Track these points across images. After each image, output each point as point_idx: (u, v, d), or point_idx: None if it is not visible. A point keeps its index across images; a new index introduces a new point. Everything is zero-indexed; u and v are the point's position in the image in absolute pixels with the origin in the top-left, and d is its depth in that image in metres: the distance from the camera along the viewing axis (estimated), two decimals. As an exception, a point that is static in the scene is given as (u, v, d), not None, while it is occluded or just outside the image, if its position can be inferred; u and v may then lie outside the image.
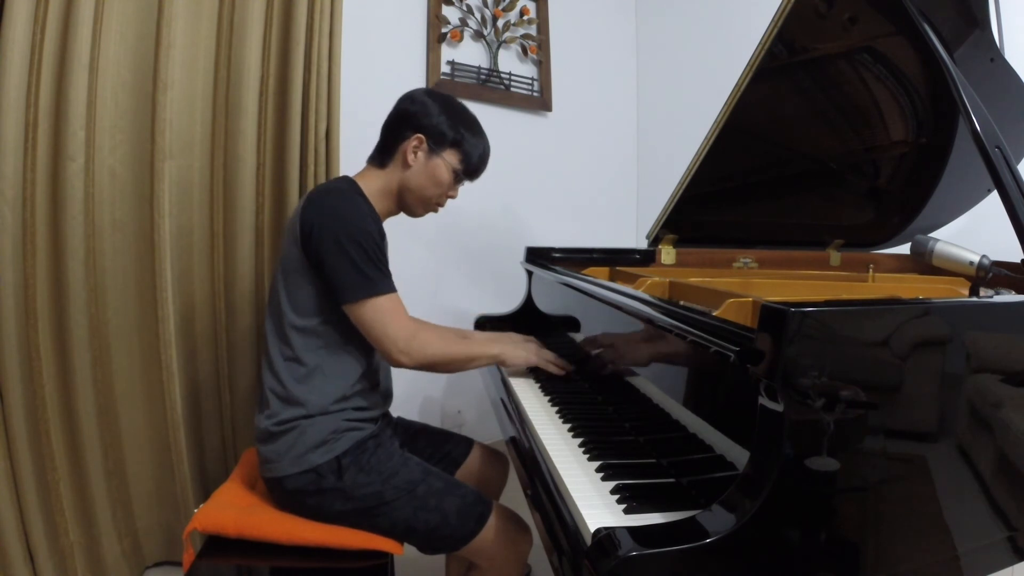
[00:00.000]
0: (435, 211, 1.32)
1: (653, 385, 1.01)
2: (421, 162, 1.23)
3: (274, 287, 1.21)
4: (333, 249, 1.10)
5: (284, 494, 1.14)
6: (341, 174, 1.44)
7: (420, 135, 1.22)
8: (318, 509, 1.12)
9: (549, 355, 1.32)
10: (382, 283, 1.12)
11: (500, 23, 2.48)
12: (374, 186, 1.24)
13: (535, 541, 1.10)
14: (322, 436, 1.13)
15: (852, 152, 1.61)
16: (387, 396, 1.31)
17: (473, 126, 1.27)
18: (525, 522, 1.18)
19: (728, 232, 1.73)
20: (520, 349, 1.30)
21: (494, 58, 2.47)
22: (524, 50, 2.56)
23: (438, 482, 1.15)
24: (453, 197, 1.31)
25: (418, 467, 1.18)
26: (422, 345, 1.14)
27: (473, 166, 1.28)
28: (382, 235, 1.18)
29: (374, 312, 1.11)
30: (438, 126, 1.22)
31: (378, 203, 1.25)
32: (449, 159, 1.24)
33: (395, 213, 1.31)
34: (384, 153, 1.26)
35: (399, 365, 1.15)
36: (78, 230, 1.45)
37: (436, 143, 1.23)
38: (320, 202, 1.17)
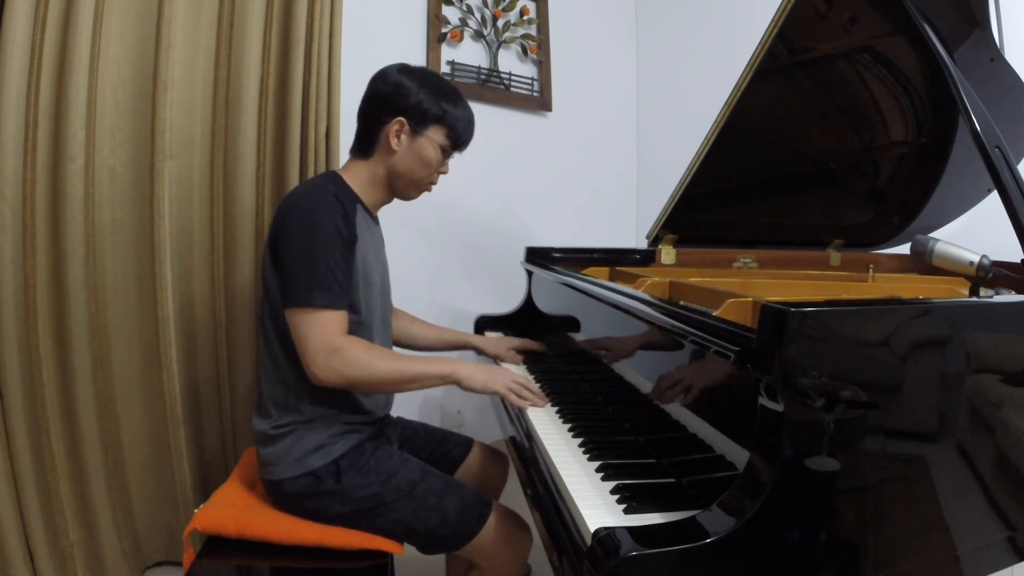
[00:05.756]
0: (428, 190, 1.27)
1: (653, 385, 1.01)
2: (406, 145, 1.17)
3: (262, 295, 1.18)
4: (286, 250, 1.07)
5: (283, 497, 1.13)
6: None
7: (400, 118, 1.16)
8: (317, 512, 1.11)
9: (515, 386, 1.16)
10: (318, 293, 1.04)
11: (500, 23, 2.48)
12: (362, 178, 1.20)
13: (535, 541, 1.10)
14: (320, 440, 1.12)
15: (852, 152, 1.61)
16: (388, 399, 1.30)
17: (453, 96, 1.20)
18: (525, 522, 1.18)
19: (728, 232, 1.73)
20: (482, 373, 1.16)
21: (494, 58, 2.47)
22: (524, 50, 2.56)
23: (437, 482, 1.15)
24: (444, 173, 1.25)
25: (417, 467, 1.17)
26: (344, 363, 1.04)
27: (460, 139, 1.22)
28: (351, 237, 1.11)
29: (299, 321, 1.05)
30: (418, 105, 1.15)
31: (368, 195, 1.21)
32: (434, 136, 1.18)
33: (388, 201, 1.27)
34: (365, 142, 1.20)
35: (317, 381, 1.06)
36: (78, 230, 1.44)
37: (418, 123, 1.16)
38: (287, 202, 1.13)
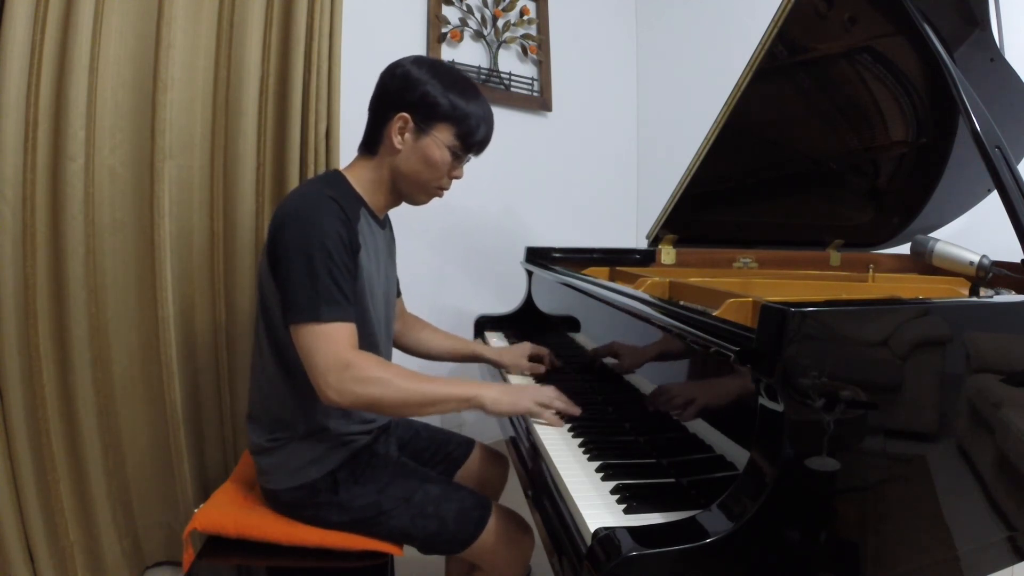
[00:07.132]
0: (439, 195, 1.17)
1: (653, 385, 1.01)
2: (410, 144, 1.09)
3: (257, 304, 1.14)
4: (284, 262, 1.00)
5: (280, 505, 1.12)
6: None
7: (404, 114, 1.07)
8: (315, 520, 1.10)
9: (544, 399, 1.08)
10: (325, 307, 0.97)
11: (500, 23, 2.48)
12: (365, 178, 1.14)
13: (536, 543, 1.10)
14: (316, 453, 1.10)
15: (852, 152, 1.61)
16: None
17: (466, 91, 1.10)
18: (527, 523, 1.16)
19: (728, 232, 1.73)
20: (507, 394, 1.07)
21: (494, 58, 2.47)
22: (524, 50, 2.56)
23: (435, 488, 1.13)
24: (458, 177, 1.16)
25: (414, 473, 1.15)
26: (358, 381, 0.96)
27: (474, 140, 1.11)
28: (354, 246, 1.05)
29: (307, 338, 0.97)
30: (423, 99, 1.06)
31: (372, 197, 1.15)
32: (441, 136, 1.08)
33: (396, 204, 1.19)
34: (371, 139, 1.13)
35: (329, 402, 0.97)
36: (78, 230, 1.44)
37: (424, 120, 1.07)
38: (282, 209, 1.05)
